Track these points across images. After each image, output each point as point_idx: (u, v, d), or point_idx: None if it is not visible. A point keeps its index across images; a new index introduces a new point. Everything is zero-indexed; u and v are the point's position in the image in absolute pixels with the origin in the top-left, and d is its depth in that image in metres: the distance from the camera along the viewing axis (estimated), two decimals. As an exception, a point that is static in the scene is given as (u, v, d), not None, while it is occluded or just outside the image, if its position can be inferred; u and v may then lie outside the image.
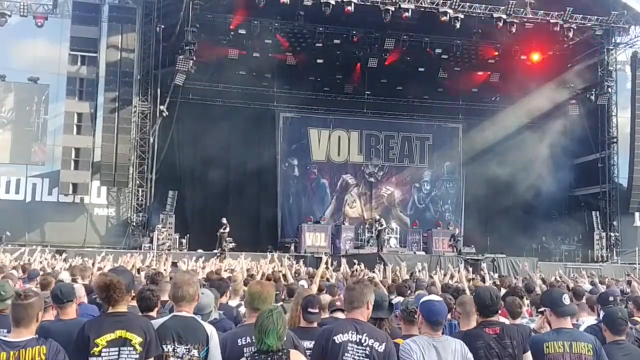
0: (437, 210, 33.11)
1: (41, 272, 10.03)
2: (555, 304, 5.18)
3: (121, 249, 24.48)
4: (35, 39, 26.88)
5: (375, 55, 29.48)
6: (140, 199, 26.46)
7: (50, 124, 26.80)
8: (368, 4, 25.04)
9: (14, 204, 26.36)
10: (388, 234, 27.90)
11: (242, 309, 6.89)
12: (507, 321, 5.92)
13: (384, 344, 4.58)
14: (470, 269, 20.15)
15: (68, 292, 5.63)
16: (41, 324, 5.16)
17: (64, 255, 18.08)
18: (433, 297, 5.05)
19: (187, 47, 24.76)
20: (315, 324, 5.47)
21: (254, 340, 4.35)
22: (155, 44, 26.42)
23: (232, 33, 27.44)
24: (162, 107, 26.36)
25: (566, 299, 5.17)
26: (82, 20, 24.94)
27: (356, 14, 25.00)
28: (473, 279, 12.82)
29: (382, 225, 27.04)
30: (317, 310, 5.44)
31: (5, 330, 4.99)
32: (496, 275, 17.18)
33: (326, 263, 12.63)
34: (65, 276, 9.82)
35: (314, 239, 27.46)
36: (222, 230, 25.54)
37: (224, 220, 25.67)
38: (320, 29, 27.81)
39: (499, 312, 5.37)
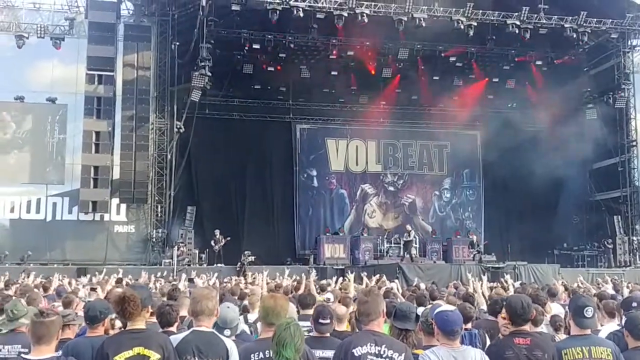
0: (458, 218, 32.94)
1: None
2: (577, 313, 5.14)
3: (141, 265, 24.63)
4: (52, 60, 27.27)
5: (389, 65, 29.54)
6: (159, 215, 26.60)
7: (69, 143, 27.09)
8: (381, 14, 25.12)
9: (34, 224, 26.63)
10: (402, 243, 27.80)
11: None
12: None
13: (403, 355, 4.59)
14: (489, 277, 20.06)
15: (106, 310, 5.66)
16: (68, 341, 5.24)
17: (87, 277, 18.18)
18: (447, 306, 5.03)
19: (202, 63, 24.92)
20: (327, 334, 5.48)
21: (267, 355, 4.36)
22: (171, 61, 26.65)
23: (246, 48, 27.62)
24: (178, 123, 26.52)
25: (588, 311, 5.11)
26: (98, 39, 25.14)
27: (369, 24, 25.10)
28: (493, 287, 12.70)
29: (410, 237, 26.95)
30: (328, 321, 5.46)
31: (19, 346, 5.07)
32: (517, 283, 17.01)
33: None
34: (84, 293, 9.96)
35: (333, 250, 27.47)
36: (212, 244, 25.76)
37: (217, 232, 26.03)
38: (334, 40, 27.95)
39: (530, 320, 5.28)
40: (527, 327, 5.11)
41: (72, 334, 5.72)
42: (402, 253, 27.05)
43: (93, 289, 10.42)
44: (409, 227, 27.92)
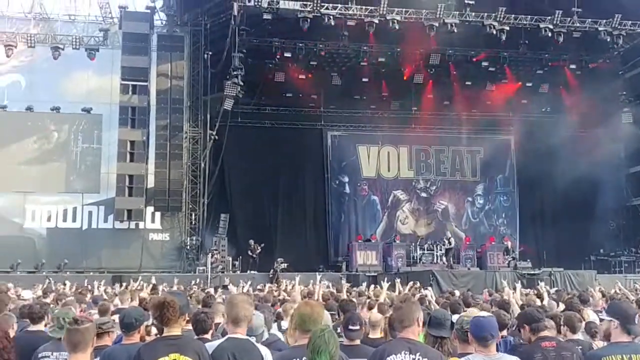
0: (492, 225, 32.62)
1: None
2: (628, 321, 5.09)
3: (176, 272, 24.87)
4: (87, 70, 27.72)
5: (420, 71, 29.45)
6: (193, 223, 26.87)
7: (104, 152, 27.45)
8: (412, 20, 25.05)
9: (71, 232, 27.06)
10: (441, 250, 27.65)
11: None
12: (562, 338, 5.90)
13: (438, 363, 4.54)
14: (524, 283, 19.84)
15: (142, 317, 5.73)
16: (104, 349, 5.32)
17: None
18: (482, 313, 5.00)
19: (235, 73, 25.12)
20: (357, 341, 5.47)
21: None
22: (204, 71, 26.99)
23: (277, 56, 27.78)
24: (211, 132, 26.79)
25: (636, 318, 5.11)
26: (132, 50, 25.44)
27: (400, 30, 25.05)
28: (527, 294, 12.57)
29: (451, 244, 26.89)
30: (357, 327, 5.45)
31: (66, 353, 5.16)
32: (553, 290, 16.80)
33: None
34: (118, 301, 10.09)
35: (365, 257, 27.40)
36: (249, 253, 26.01)
37: (251, 242, 26.17)
38: (365, 47, 27.95)
39: (548, 326, 5.49)
40: (550, 333, 5.35)
41: (109, 342, 5.80)
42: (440, 260, 27.01)
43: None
44: (448, 234, 27.83)
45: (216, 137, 26.92)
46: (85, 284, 16.90)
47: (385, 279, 14.69)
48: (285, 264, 24.70)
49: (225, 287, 16.05)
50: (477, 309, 6.81)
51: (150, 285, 14.89)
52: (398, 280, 14.79)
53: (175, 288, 15.48)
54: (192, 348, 4.56)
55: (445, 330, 5.16)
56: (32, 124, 27.54)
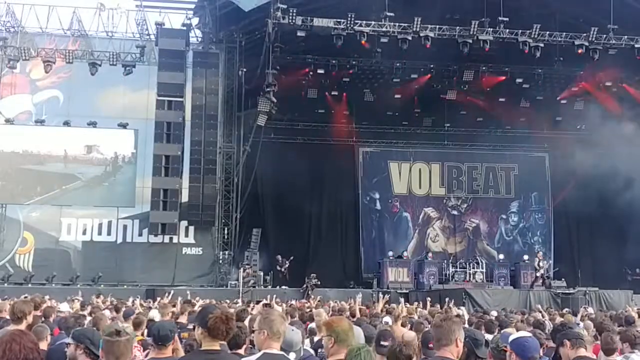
0: (526, 243, 32.30)
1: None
2: None
3: (208, 286, 24.99)
4: (123, 86, 28.06)
5: (453, 87, 29.38)
6: (226, 238, 27.01)
7: (139, 166, 27.69)
8: (445, 37, 25.01)
9: (106, 245, 27.25)
10: (473, 268, 27.42)
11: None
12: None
13: (474, 382, 4.51)
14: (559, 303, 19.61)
15: (174, 329, 5.76)
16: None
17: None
18: (523, 333, 4.95)
19: (268, 89, 25.31)
20: None
21: None
22: (238, 87, 27.26)
23: (310, 73, 27.95)
24: (245, 147, 26.99)
25: None
26: (168, 66, 25.80)
27: (433, 47, 25.01)
28: (563, 314, 12.41)
29: (540, 268, 26.22)
30: (388, 343, 5.43)
31: None
32: (590, 310, 16.57)
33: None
34: (155, 314, 10.14)
35: (397, 274, 27.30)
36: (278, 268, 26.12)
37: (279, 257, 26.28)
38: (397, 64, 27.99)
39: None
40: (589, 354, 5.38)
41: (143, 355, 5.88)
42: (473, 278, 26.74)
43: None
44: (540, 255, 27.26)
45: (249, 150, 27.07)
46: (110, 299, 17.05)
47: (414, 296, 14.61)
48: (316, 280, 24.66)
49: (267, 305, 15.97)
50: (512, 329, 6.76)
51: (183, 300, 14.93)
52: (429, 299, 14.68)
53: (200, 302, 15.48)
54: (229, 364, 4.57)
55: (484, 350, 5.14)
56: (69, 138, 27.92)
